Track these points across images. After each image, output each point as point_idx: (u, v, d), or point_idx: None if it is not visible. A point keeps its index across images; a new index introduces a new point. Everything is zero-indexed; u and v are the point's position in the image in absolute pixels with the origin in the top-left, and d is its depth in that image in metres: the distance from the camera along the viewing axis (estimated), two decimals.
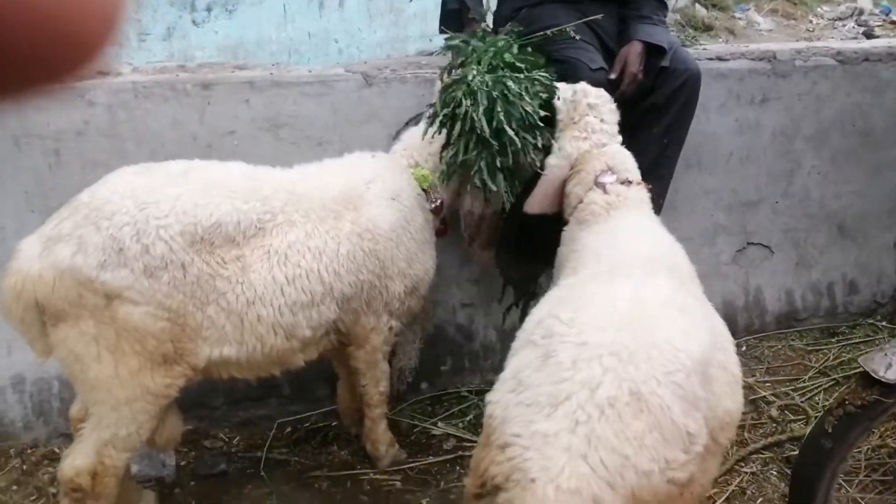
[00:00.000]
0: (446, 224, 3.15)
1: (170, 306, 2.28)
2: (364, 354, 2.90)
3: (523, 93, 2.76)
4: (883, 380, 2.39)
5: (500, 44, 2.94)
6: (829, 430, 2.48)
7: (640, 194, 2.65)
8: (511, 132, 2.70)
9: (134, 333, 2.25)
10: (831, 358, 4.04)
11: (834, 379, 3.85)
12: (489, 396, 1.75)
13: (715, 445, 1.86)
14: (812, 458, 2.54)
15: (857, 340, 4.20)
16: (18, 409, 3.26)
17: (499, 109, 2.70)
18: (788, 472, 3.27)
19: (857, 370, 2.51)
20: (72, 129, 3.19)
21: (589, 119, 2.74)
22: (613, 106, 2.86)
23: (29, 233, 3.15)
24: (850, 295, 4.38)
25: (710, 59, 3.84)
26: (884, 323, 4.35)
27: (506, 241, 3.23)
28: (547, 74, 2.90)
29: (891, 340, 2.53)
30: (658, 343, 1.65)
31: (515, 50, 2.93)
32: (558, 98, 2.85)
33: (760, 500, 3.09)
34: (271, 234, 2.46)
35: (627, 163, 2.73)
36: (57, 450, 3.24)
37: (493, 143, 2.73)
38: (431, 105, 3.02)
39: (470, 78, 2.78)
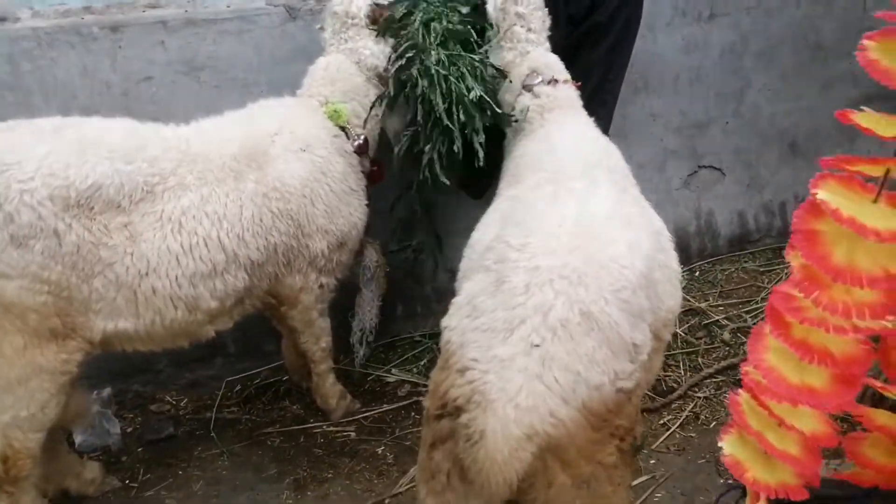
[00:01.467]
0: (380, 164, 2.75)
1: (48, 278, 1.90)
2: (297, 314, 2.56)
3: (473, 73, 2.44)
4: None
5: None
6: None
7: (570, 92, 2.51)
8: (464, 115, 2.39)
9: (12, 309, 1.87)
10: (784, 278, 3.77)
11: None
12: (445, 321, 1.67)
13: (658, 342, 1.83)
14: None
15: None
16: None
17: (454, 91, 2.37)
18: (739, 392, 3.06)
19: None
20: None
21: (516, 29, 2.49)
22: (543, 13, 2.57)
23: None
24: None
25: None
26: None
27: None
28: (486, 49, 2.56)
29: None
30: (605, 263, 1.60)
31: (454, 18, 2.55)
32: (488, 6, 2.54)
33: (714, 423, 2.85)
34: (162, 199, 2.06)
35: (552, 64, 2.56)
36: None
37: (454, 128, 2.38)
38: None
39: (426, 56, 2.43)
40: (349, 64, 2.60)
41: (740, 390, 1.70)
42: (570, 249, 1.59)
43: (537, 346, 1.45)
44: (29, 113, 2.77)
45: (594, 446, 1.49)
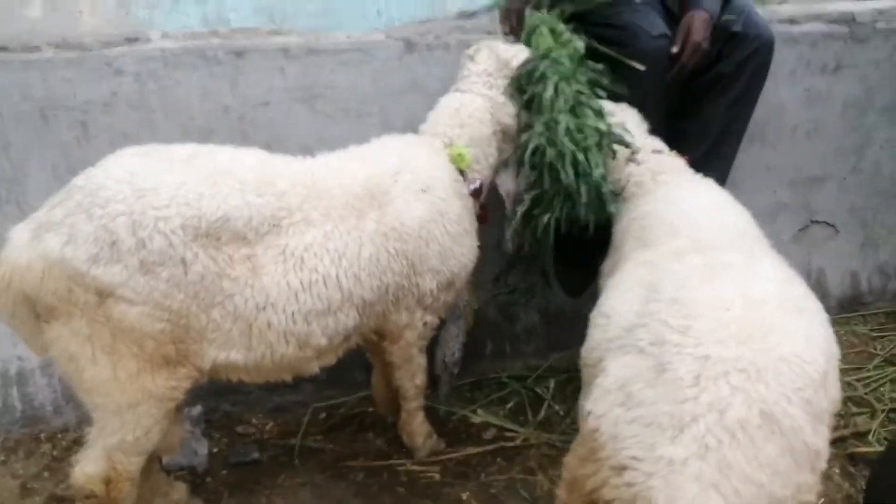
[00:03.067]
0: (485, 208, 2.63)
1: (170, 307, 1.83)
2: (398, 350, 2.44)
3: (598, 145, 2.36)
4: None
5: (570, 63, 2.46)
6: None
7: (677, 161, 2.40)
8: (588, 186, 2.30)
9: (130, 334, 1.81)
10: None
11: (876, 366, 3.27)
12: (590, 406, 1.51)
13: None
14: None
15: None
16: (47, 392, 2.89)
17: (582, 161, 2.28)
18: (852, 470, 2.76)
19: None
20: (99, 101, 2.75)
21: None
22: None
23: None
24: None
25: (781, 21, 3.18)
26: None
27: (559, 251, 2.74)
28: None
29: None
30: (786, 356, 1.41)
31: (584, 80, 2.46)
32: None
33: (823, 500, 2.56)
34: (287, 233, 1.97)
35: (647, 137, 2.49)
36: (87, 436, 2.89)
37: (578, 198, 2.29)
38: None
39: (554, 125, 2.33)
40: (485, 111, 2.49)
41: None
42: (742, 340, 1.40)
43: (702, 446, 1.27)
44: (150, 130, 2.80)
45: None
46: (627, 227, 2.22)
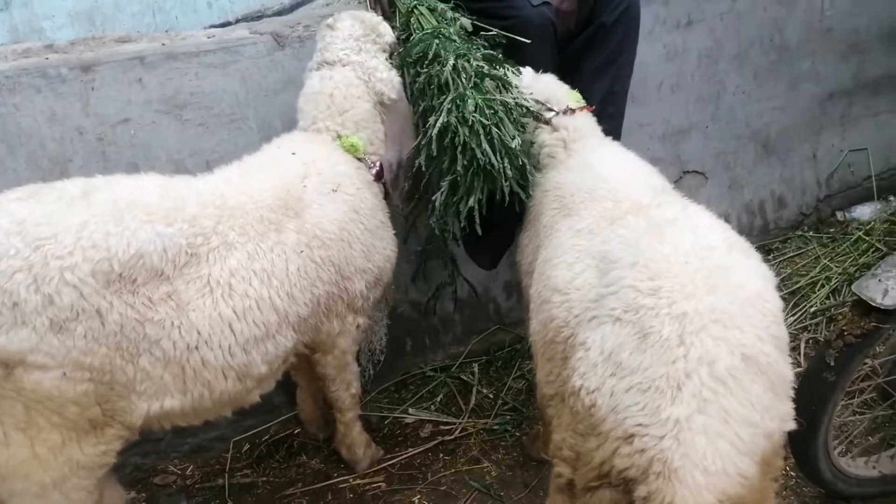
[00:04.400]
0: (386, 185, 2.60)
1: (90, 364, 1.69)
2: (333, 360, 2.40)
3: (509, 116, 2.37)
4: (881, 307, 2.19)
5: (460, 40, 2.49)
6: (831, 363, 2.29)
7: (589, 120, 2.49)
8: (509, 163, 2.30)
9: (48, 404, 1.65)
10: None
11: (781, 296, 3.67)
12: (581, 382, 1.55)
13: None
14: (814, 393, 2.32)
15: (791, 254, 4.06)
16: None
17: (495, 139, 2.28)
18: None
19: (853, 297, 2.30)
20: None
21: None
22: None
23: None
24: (778, 210, 4.23)
25: None
26: (811, 233, 4.22)
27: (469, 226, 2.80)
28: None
29: (879, 263, 2.30)
30: (750, 299, 1.52)
31: (479, 55, 2.47)
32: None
33: None
34: (207, 261, 1.87)
35: (561, 95, 2.53)
36: None
37: (501, 175, 2.29)
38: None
39: (462, 102, 2.31)
40: (358, 85, 2.44)
41: None
42: (709, 289, 1.51)
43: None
44: None
45: (763, 495, 1.45)
46: (543, 198, 2.28)
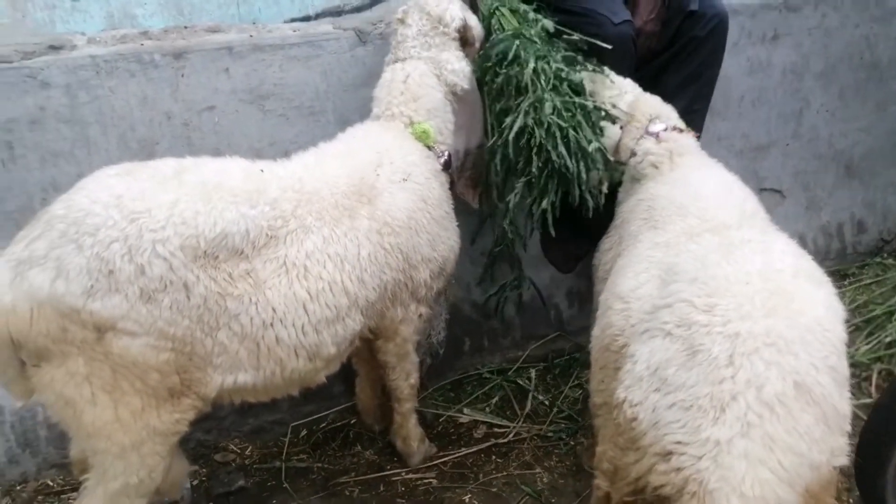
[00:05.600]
0: (452, 175, 2.68)
1: (174, 335, 1.80)
2: (394, 347, 2.48)
3: (588, 120, 2.41)
4: None
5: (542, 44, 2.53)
6: None
7: (694, 142, 2.49)
8: (585, 168, 2.36)
9: (133, 369, 1.76)
10: (847, 301, 3.74)
11: (854, 324, 3.56)
12: (625, 394, 1.57)
13: None
14: (884, 426, 2.25)
15: (868, 281, 3.93)
16: (0, 441, 2.74)
17: (571, 142, 2.33)
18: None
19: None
20: (25, 118, 2.60)
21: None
22: None
23: None
24: (858, 234, 4.11)
25: None
26: (890, 260, 4.09)
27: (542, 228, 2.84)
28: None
29: None
30: (810, 326, 1.51)
31: (559, 57, 2.52)
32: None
33: None
34: (285, 243, 1.98)
35: (669, 112, 2.56)
36: (51, 482, 2.75)
37: (575, 178, 2.34)
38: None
39: (540, 105, 2.36)
40: (430, 76, 2.53)
41: None
42: (767, 312, 1.49)
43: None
44: (86, 146, 2.69)
45: None
46: (635, 206, 2.30)
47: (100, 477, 1.86)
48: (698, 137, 2.50)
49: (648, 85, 2.88)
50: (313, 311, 1.99)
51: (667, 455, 1.40)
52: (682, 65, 2.87)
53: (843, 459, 1.48)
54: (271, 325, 1.93)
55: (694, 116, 2.91)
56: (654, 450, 1.43)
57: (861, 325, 3.55)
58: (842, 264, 4.06)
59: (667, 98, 2.86)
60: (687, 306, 1.55)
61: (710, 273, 1.63)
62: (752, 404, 1.37)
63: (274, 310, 1.93)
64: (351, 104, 2.94)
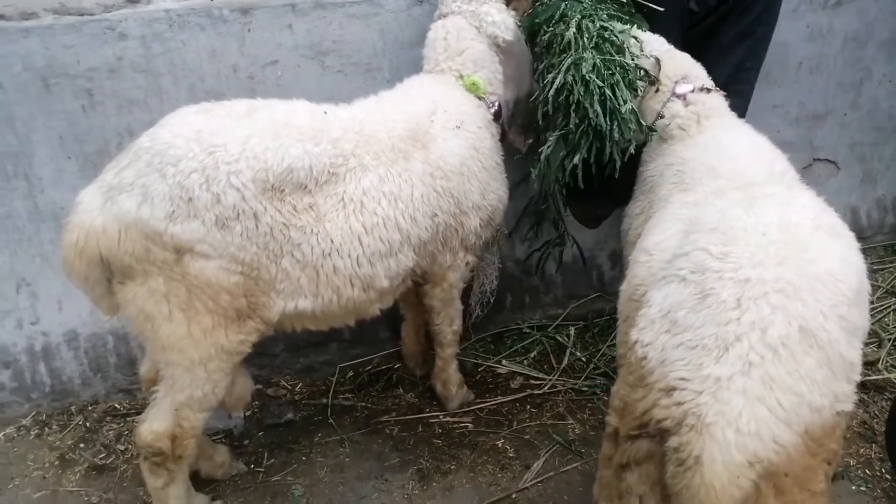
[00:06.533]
0: (503, 127, 2.84)
1: (243, 259, 2.04)
2: (440, 292, 2.68)
3: (625, 79, 2.49)
4: None
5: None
6: None
7: (722, 101, 2.53)
8: (618, 127, 2.44)
9: (207, 290, 2.01)
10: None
11: None
12: (637, 335, 1.66)
13: None
14: None
15: None
16: (75, 365, 3.07)
17: (608, 101, 2.42)
18: (864, 397, 3.09)
19: None
20: (104, 67, 2.87)
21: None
22: None
23: (67, 182, 2.92)
24: None
25: None
26: None
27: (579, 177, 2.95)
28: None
29: None
30: (821, 276, 1.57)
31: (605, 16, 2.61)
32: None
33: None
34: (344, 180, 2.19)
35: (699, 72, 2.59)
36: (118, 405, 3.08)
37: (608, 136, 2.44)
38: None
39: (581, 62, 2.46)
40: (469, 29, 2.69)
41: None
42: (780, 261, 1.57)
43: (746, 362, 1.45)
44: (158, 95, 2.94)
45: (808, 473, 1.49)
46: (664, 171, 2.37)
47: (169, 388, 2.14)
48: (727, 97, 2.55)
49: (703, 40, 2.95)
50: (368, 244, 2.21)
51: (670, 390, 1.48)
52: (735, 21, 2.91)
53: (848, 405, 1.54)
54: (329, 255, 2.15)
55: (746, 74, 2.98)
56: (659, 385, 1.51)
57: None
58: None
59: (719, 54, 2.92)
60: (703, 254, 1.64)
61: (728, 224, 1.72)
62: (755, 345, 1.45)
63: (332, 241, 2.15)
64: (406, 62, 3.11)
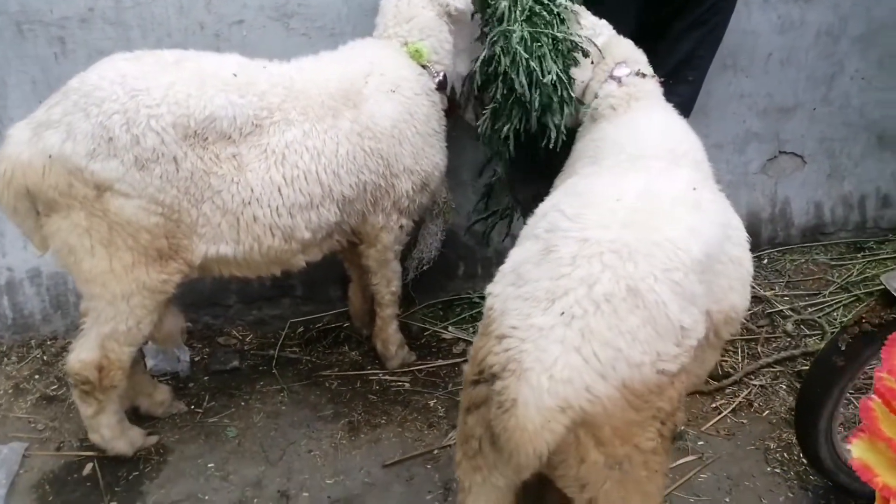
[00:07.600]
0: (453, 101, 2.91)
1: (163, 201, 2.15)
2: (375, 253, 2.78)
3: (555, 50, 2.52)
4: None
5: None
6: (842, 348, 2.29)
7: (656, 87, 2.57)
8: (540, 97, 2.48)
9: (127, 227, 2.13)
10: (855, 273, 3.82)
11: (855, 295, 3.64)
12: (490, 288, 1.72)
13: (716, 339, 1.86)
14: (822, 376, 2.38)
15: (884, 256, 3.97)
16: (36, 301, 3.23)
17: (535, 68, 2.46)
18: (798, 385, 3.15)
19: (879, 287, 2.33)
20: (76, 16, 2.99)
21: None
22: None
23: None
24: (881, 209, 4.12)
25: None
26: None
27: (517, 160, 3.01)
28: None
29: None
30: (660, 242, 1.61)
31: None
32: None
33: (767, 412, 2.95)
34: (268, 133, 2.28)
35: (639, 58, 2.62)
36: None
37: (531, 108, 2.49)
38: None
39: (510, 34, 2.51)
40: None
41: (873, 395, 1.72)
42: (625, 225, 1.62)
43: (568, 315, 1.49)
44: (127, 47, 2.99)
45: (632, 427, 1.52)
46: (587, 146, 2.44)
47: (94, 320, 2.27)
48: (662, 83, 2.59)
49: (659, 27, 2.99)
50: (287, 195, 2.30)
51: (502, 337, 1.53)
52: (690, 10, 2.95)
53: (672, 366, 1.56)
54: (249, 203, 2.26)
55: (698, 62, 3.01)
56: (495, 333, 1.56)
57: (863, 297, 3.63)
58: (859, 237, 4.10)
59: (672, 42, 2.96)
60: (559, 214, 1.69)
61: (591, 188, 1.79)
62: (580, 299, 1.50)
63: (252, 190, 2.25)
64: (370, 28, 3.15)
